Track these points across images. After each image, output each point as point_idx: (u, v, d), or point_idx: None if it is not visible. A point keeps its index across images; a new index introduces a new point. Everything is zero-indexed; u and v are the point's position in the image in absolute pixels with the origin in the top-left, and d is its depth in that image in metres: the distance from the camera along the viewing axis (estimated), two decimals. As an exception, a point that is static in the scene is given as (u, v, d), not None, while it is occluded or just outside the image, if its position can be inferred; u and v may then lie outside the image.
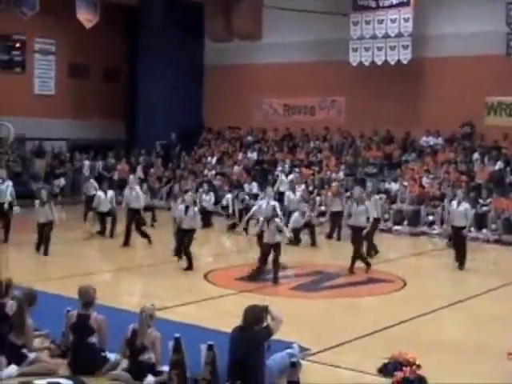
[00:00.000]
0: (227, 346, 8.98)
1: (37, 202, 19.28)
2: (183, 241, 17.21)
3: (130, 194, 20.48)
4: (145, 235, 20.54)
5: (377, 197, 19.19)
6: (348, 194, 22.46)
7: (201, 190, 26.20)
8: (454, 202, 18.52)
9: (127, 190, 20.75)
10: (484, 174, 26.51)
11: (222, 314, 12.59)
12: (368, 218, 17.31)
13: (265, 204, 18.38)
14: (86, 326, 9.14)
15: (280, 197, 24.00)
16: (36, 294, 9.83)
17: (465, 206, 18.29)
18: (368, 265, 17.33)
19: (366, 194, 18.63)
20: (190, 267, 16.99)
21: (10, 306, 9.53)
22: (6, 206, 20.52)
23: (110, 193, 22.09)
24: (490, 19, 27.63)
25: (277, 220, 16.26)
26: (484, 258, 20.10)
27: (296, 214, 21.35)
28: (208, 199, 25.27)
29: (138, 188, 20.96)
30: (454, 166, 27.40)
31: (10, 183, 20.96)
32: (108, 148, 34.46)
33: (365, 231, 17.20)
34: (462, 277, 17.61)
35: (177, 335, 8.84)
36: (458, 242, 18.41)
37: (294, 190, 23.34)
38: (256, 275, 16.07)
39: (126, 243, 20.12)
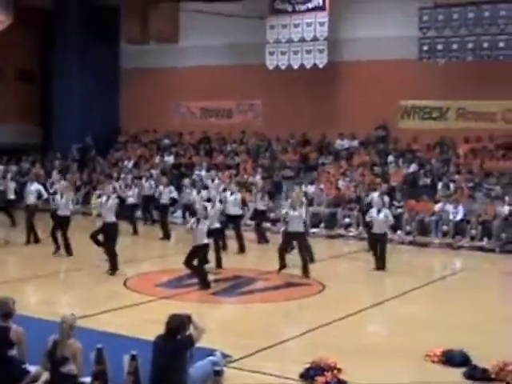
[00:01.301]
0: (150, 355, 8.96)
1: None
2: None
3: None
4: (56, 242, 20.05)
5: (304, 200, 19.23)
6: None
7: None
8: (374, 210, 18.63)
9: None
10: (398, 177, 27.01)
11: (144, 321, 12.50)
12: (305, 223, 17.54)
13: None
14: (5, 339, 8.96)
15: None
16: None
17: (385, 211, 18.56)
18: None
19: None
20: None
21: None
22: None
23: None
24: (403, 24, 28.13)
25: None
26: (400, 259, 20.40)
27: None
28: (131, 194, 25.18)
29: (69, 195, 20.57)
30: (370, 168, 27.83)
31: None
32: (22, 152, 33.87)
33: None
34: (380, 279, 17.87)
35: (99, 346, 8.76)
36: (379, 247, 18.57)
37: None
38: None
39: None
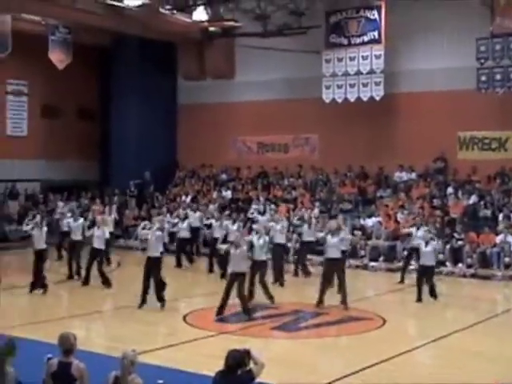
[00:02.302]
0: (210, 391, 8.91)
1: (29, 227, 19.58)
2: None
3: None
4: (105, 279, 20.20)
5: (346, 229, 19.14)
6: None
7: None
8: (422, 243, 18.59)
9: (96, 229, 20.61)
10: (458, 208, 26.66)
11: (203, 356, 12.50)
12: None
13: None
14: (67, 375, 8.98)
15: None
16: (16, 344, 9.66)
17: (432, 244, 18.53)
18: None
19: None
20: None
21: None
22: None
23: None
24: (460, 55, 28.00)
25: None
26: (461, 292, 20.18)
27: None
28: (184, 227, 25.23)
29: (105, 229, 20.91)
30: (429, 201, 27.56)
31: None
32: (82, 188, 34.33)
33: None
34: (441, 313, 17.64)
35: (160, 381, 8.74)
36: (427, 279, 18.58)
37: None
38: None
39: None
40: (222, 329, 15.32)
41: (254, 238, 17.44)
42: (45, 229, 19.62)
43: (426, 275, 18.48)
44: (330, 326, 15.96)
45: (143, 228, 17.97)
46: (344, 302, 17.26)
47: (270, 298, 17.66)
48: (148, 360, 11.32)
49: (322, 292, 17.40)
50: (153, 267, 17.15)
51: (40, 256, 19.19)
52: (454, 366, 12.57)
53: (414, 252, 20.37)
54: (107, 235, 20.97)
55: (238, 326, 15.44)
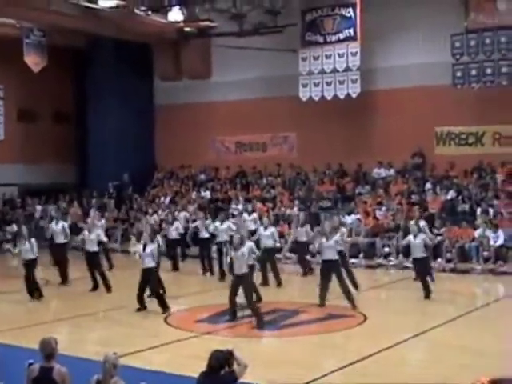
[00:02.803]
0: (193, 392, 8.90)
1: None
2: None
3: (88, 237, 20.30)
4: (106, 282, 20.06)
5: (343, 230, 19.07)
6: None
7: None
8: (411, 236, 18.67)
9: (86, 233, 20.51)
10: (436, 204, 26.79)
11: (186, 358, 12.47)
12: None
13: None
14: (49, 380, 8.93)
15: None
16: None
17: (421, 236, 18.55)
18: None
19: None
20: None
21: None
22: None
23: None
24: (436, 51, 28.18)
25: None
26: (441, 287, 20.12)
27: None
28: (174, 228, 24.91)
29: (99, 231, 20.84)
30: (407, 196, 27.67)
31: None
32: (59, 191, 34.20)
33: None
34: (421, 308, 17.68)
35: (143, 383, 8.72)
36: (421, 272, 18.69)
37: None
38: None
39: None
40: (204, 329, 15.28)
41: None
42: (33, 240, 19.05)
43: (420, 268, 18.64)
44: (312, 324, 15.95)
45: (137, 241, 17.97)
46: (352, 302, 17.13)
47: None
48: (130, 362, 11.30)
49: (323, 293, 17.31)
50: (148, 278, 17.01)
51: (28, 266, 18.88)
52: (437, 360, 12.59)
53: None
54: (103, 237, 21.00)
55: (220, 327, 15.42)
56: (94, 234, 20.33)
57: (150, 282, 16.97)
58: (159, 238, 19.20)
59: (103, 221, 25.86)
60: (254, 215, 25.24)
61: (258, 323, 15.41)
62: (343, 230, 19.07)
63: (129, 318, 16.53)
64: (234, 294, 15.73)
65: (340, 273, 17.48)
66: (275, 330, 15.59)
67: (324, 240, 17.35)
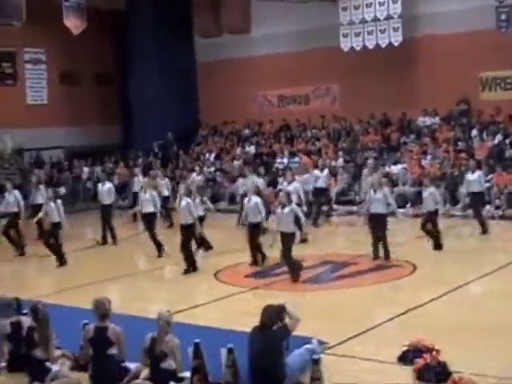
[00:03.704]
0: (246, 347, 8.99)
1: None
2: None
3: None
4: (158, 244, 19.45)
5: (432, 189, 18.78)
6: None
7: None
8: (469, 173, 20.15)
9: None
10: (483, 150, 26.47)
11: (237, 313, 12.60)
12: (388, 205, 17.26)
13: None
14: (104, 339, 9.12)
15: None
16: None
17: (478, 173, 20.07)
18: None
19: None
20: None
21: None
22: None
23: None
24: (478, -6, 27.64)
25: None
26: (490, 234, 20.04)
27: None
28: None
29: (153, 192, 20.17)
30: (454, 144, 27.37)
31: (16, 193, 21.00)
32: (105, 153, 34.46)
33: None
34: (471, 256, 17.57)
35: (196, 340, 8.83)
36: (476, 207, 20.00)
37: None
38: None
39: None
40: (254, 284, 15.37)
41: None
42: (59, 202, 18.85)
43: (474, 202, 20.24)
44: (362, 276, 15.92)
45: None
46: (387, 256, 17.10)
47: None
48: (183, 319, 11.44)
49: (375, 246, 17.19)
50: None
51: (54, 229, 18.76)
52: (488, 308, 12.55)
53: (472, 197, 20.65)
54: (157, 200, 19.82)
55: (270, 281, 15.47)
56: (149, 194, 19.55)
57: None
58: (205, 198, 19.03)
59: (166, 179, 25.67)
60: (326, 172, 24.13)
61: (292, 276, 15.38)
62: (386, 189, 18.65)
63: (178, 276, 16.61)
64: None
65: (385, 228, 17.37)
66: (325, 282, 15.64)
67: (372, 192, 17.24)
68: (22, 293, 12.20)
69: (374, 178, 18.14)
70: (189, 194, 17.42)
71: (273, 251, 16.29)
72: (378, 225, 17.13)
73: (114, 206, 22.52)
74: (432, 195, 18.25)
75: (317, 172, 23.60)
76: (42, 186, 23.52)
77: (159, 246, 19.13)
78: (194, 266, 16.76)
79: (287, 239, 15.34)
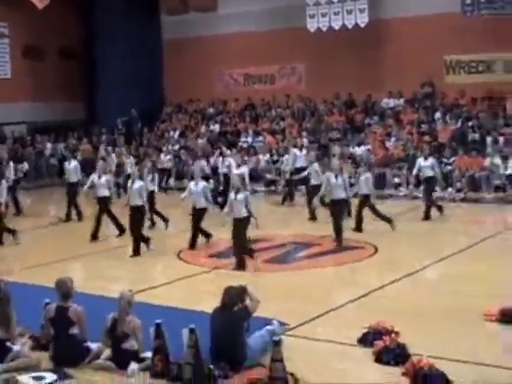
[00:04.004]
0: (207, 327, 9.04)
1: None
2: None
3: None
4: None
5: (368, 175, 18.81)
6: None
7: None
8: (421, 159, 20.10)
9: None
10: (446, 133, 26.70)
11: (199, 293, 12.66)
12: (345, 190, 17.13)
13: None
14: (65, 319, 9.12)
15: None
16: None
17: (430, 160, 19.92)
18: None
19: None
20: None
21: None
22: None
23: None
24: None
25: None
26: (451, 217, 20.25)
27: None
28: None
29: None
30: (417, 126, 27.55)
31: None
32: (69, 129, 34.19)
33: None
34: (432, 239, 17.72)
35: (158, 321, 8.85)
36: (426, 192, 20.16)
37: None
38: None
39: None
40: (217, 264, 15.39)
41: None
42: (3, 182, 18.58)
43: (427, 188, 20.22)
44: (324, 256, 15.99)
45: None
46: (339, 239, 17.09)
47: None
48: (144, 299, 11.45)
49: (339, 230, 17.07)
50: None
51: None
52: (447, 290, 12.69)
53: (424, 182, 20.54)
54: (111, 183, 19.37)
55: (232, 261, 15.46)
56: (104, 179, 18.93)
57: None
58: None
59: (131, 157, 25.41)
60: (305, 151, 23.42)
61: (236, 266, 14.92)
62: (367, 175, 18.72)
63: (142, 256, 16.60)
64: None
65: (341, 213, 17.38)
66: (286, 263, 15.70)
67: (333, 179, 17.06)
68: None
69: (335, 164, 18.12)
70: (141, 176, 17.40)
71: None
72: (339, 209, 17.14)
73: (79, 183, 22.34)
74: (367, 180, 18.46)
75: (296, 151, 23.28)
76: (11, 163, 23.38)
77: (120, 227, 18.77)
78: (138, 251, 16.55)
79: (240, 224, 14.92)
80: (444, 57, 28.83)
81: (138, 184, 16.77)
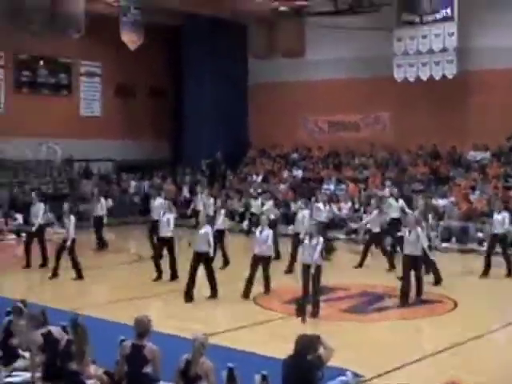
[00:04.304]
0: (279, 373, 8.97)
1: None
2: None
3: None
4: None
5: (419, 229, 18.08)
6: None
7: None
8: (495, 213, 19.73)
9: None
10: (533, 189, 26.17)
11: (273, 338, 12.58)
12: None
13: None
14: (140, 357, 9.15)
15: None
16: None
17: (503, 214, 19.48)
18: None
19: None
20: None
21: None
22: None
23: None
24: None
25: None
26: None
27: None
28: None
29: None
30: (503, 180, 27.11)
31: (41, 205, 20.59)
32: (154, 168, 34.73)
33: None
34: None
35: (230, 365, 8.83)
36: (489, 249, 19.61)
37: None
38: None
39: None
40: (292, 311, 15.26)
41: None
42: (72, 217, 18.45)
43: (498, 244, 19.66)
44: (400, 309, 15.78)
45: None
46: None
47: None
48: (218, 342, 11.43)
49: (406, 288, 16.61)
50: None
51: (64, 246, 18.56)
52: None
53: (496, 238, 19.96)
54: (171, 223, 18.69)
55: (308, 309, 15.32)
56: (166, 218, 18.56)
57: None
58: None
59: (212, 199, 24.50)
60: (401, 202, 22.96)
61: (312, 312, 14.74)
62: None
63: (218, 298, 16.55)
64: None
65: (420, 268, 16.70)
66: (363, 314, 15.52)
67: (407, 233, 16.37)
68: (61, 303, 12.30)
69: (410, 218, 17.42)
70: (210, 221, 17.40)
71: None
72: (411, 267, 16.68)
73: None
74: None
75: (392, 201, 22.82)
76: (102, 199, 23.84)
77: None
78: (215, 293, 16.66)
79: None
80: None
81: (204, 230, 16.42)
